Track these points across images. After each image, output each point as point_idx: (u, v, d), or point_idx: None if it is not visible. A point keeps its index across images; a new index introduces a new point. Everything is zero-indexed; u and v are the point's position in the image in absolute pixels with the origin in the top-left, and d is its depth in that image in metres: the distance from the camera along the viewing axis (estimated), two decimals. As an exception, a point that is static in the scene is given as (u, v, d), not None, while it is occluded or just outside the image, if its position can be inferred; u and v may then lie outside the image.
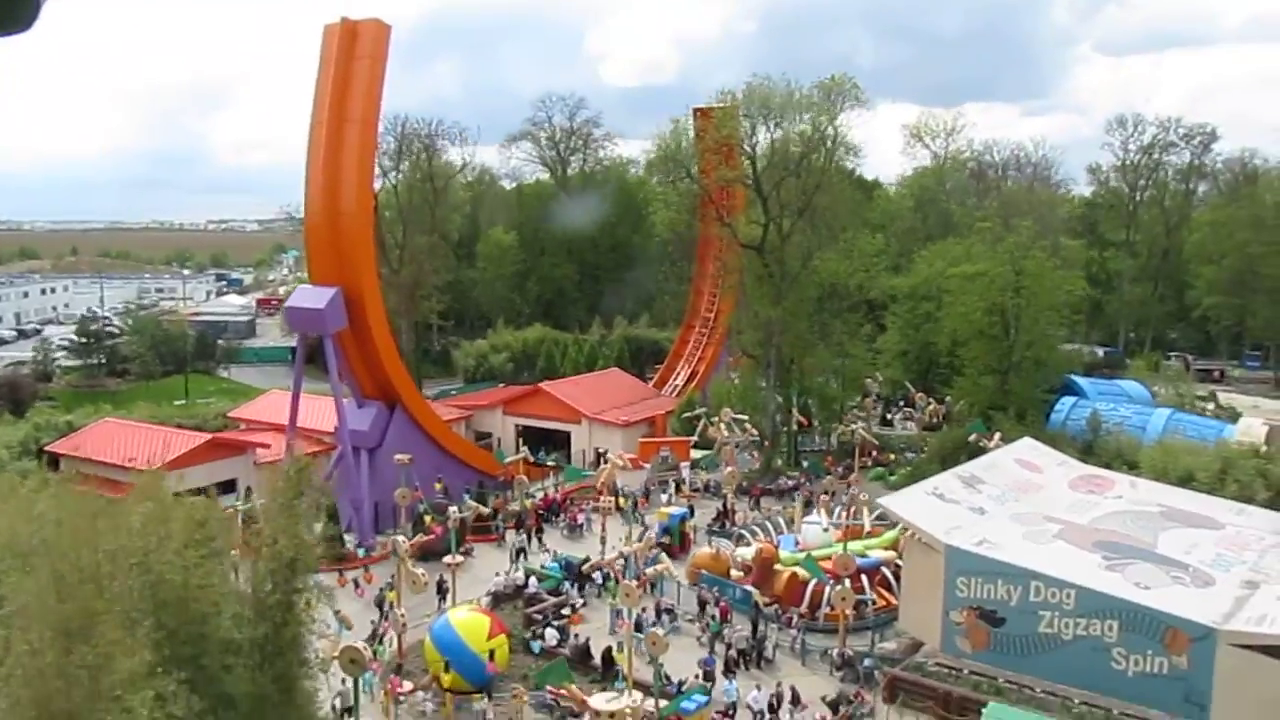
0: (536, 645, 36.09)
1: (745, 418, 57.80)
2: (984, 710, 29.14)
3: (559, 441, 63.70)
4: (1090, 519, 37.96)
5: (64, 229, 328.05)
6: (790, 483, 55.48)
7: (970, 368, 59.69)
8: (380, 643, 35.63)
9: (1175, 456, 48.74)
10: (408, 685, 32.86)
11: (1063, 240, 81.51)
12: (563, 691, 30.63)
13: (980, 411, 56.44)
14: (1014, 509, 38.64)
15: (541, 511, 50.39)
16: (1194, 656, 30.15)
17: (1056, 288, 59.48)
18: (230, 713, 18.80)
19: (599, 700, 28.03)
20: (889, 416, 69.68)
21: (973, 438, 50.89)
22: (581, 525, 49.51)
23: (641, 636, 30.41)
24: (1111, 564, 34.03)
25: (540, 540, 47.28)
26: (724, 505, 50.51)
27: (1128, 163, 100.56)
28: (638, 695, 28.09)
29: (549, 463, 60.19)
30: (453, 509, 43.95)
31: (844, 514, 43.18)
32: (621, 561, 40.78)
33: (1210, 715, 29.63)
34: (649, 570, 40.45)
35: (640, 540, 43.25)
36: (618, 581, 38.36)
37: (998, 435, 50.27)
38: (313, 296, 48.26)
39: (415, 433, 52.02)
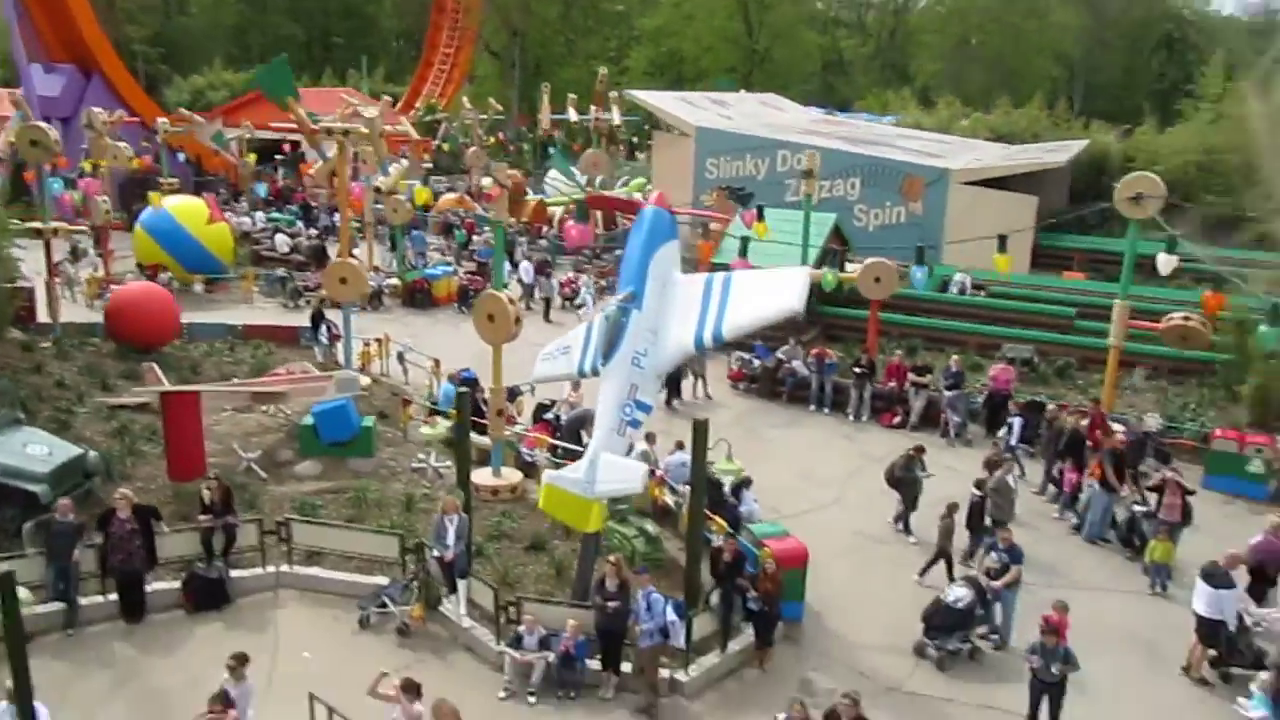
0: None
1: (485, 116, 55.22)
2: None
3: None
4: (830, 129, 38.82)
5: None
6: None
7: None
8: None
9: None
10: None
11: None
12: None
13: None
14: (759, 120, 38.92)
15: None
16: (928, 201, 31.46)
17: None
18: None
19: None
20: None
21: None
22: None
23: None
24: (854, 141, 34.92)
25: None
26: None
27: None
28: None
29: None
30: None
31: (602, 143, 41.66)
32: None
33: (941, 252, 31.03)
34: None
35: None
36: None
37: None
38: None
39: (115, 104, 46.19)
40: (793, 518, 16.41)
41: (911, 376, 21.11)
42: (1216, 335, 20.56)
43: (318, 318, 23.91)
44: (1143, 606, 14.61)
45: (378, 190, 32.86)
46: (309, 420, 17.55)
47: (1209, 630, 12.57)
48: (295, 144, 52.28)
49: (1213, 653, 12.70)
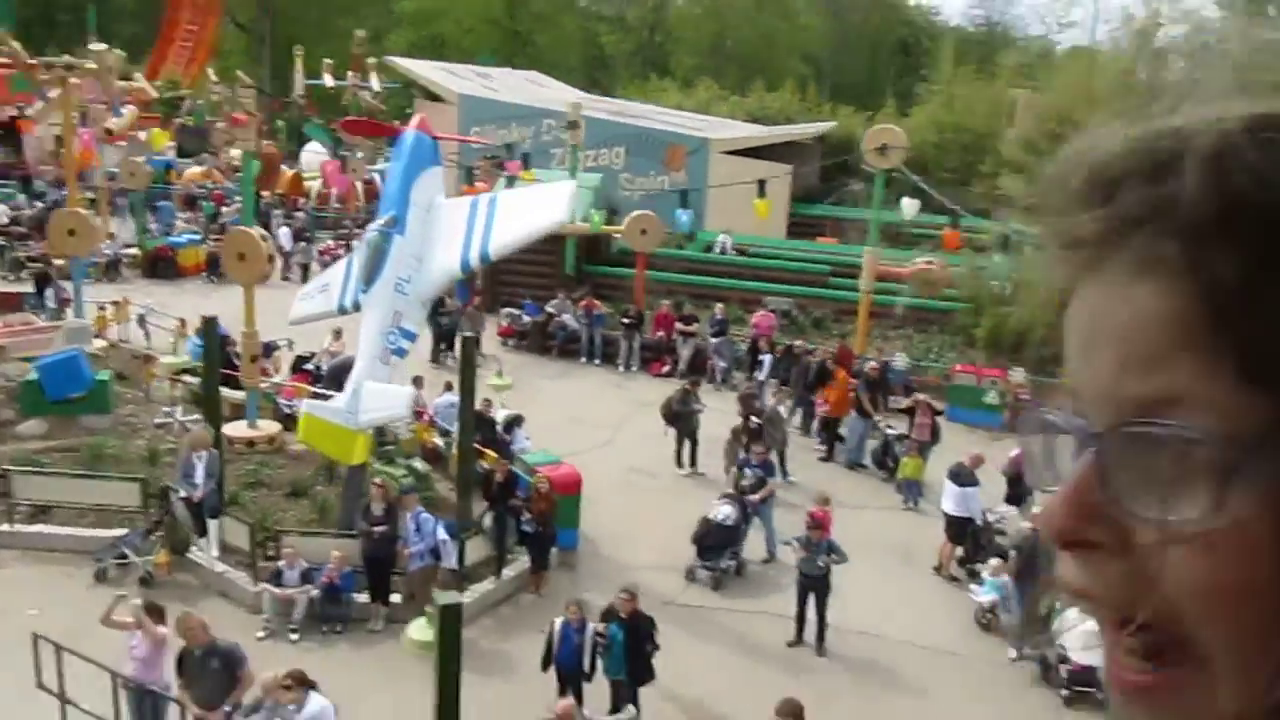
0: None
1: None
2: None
3: None
4: (595, 103, 39.11)
5: None
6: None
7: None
8: None
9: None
10: None
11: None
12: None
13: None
14: (523, 93, 38.74)
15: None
16: (691, 170, 32.22)
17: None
18: None
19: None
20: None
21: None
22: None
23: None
24: (618, 113, 35.31)
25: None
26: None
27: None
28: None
29: None
30: None
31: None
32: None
33: (705, 215, 31.89)
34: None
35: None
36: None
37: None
38: None
39: None
40: (567, 457, 16.25)
41: (679, 326, 21.47)
42: (953, 289, 22.09)
43: (43, 280, 21.74)
44: (897, 519, 15.43)
45: (109, 133, 30.13)
46: (32, 376, 15.84)
47: (957, 528, 13.39)
48: (14, 118, 47.57)
49: (960, 551, 13.54)
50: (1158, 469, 0.48)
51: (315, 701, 7.91)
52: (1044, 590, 11.70)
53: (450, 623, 6.13)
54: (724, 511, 13.31)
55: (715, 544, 13.23)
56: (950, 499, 13.39)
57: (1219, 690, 0.48)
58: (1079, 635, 10.08)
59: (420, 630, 10.74)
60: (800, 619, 11.75)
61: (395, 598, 11.63)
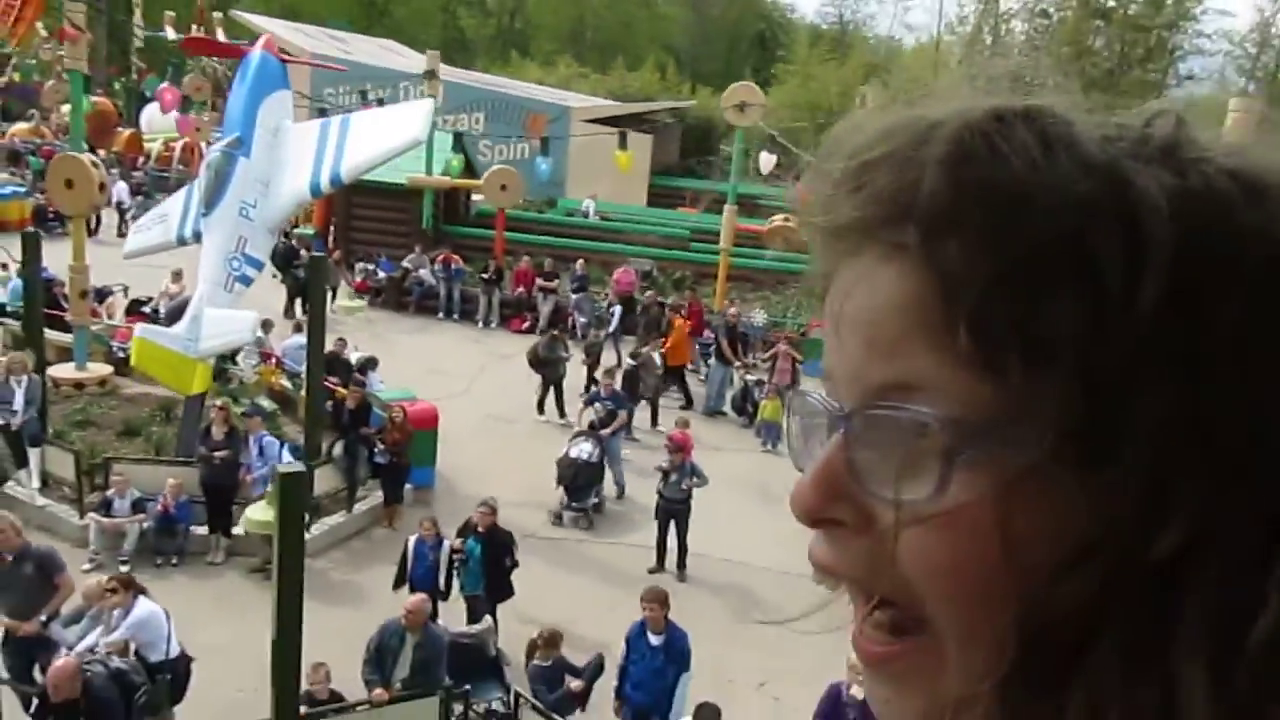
0: None
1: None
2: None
3: None
4: (453, 71, 38.38)
5: None
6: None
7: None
8: None
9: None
10: None
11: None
12: None
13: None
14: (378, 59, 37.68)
15: None
16: (543, 169, 31.92)
17: None
18: None
19: None
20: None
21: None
22: None
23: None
24: (478, 79, 34.70)
25: None
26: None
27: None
28: None
29: None
30: None
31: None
32: None
33: (567, 189, 31.66)
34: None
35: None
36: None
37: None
38: None
39: None
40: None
41: (540, 282, 21.18)
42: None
43: None
44: (756, 460, 15.52)
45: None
46: None
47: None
48: None
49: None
50: (894, 451, 0.50)
51: (144, 605, 7.35)
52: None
53: (291, 491, 5.74)
54: (584, 449, 13.12)
55: (584, 483, 12.99)
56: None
57: (948, 666, 0.50)
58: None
59: (260, 510, 10.12)
60: (661, 546, 11.67)
61: (238, 530, 11.00)
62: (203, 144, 32.74)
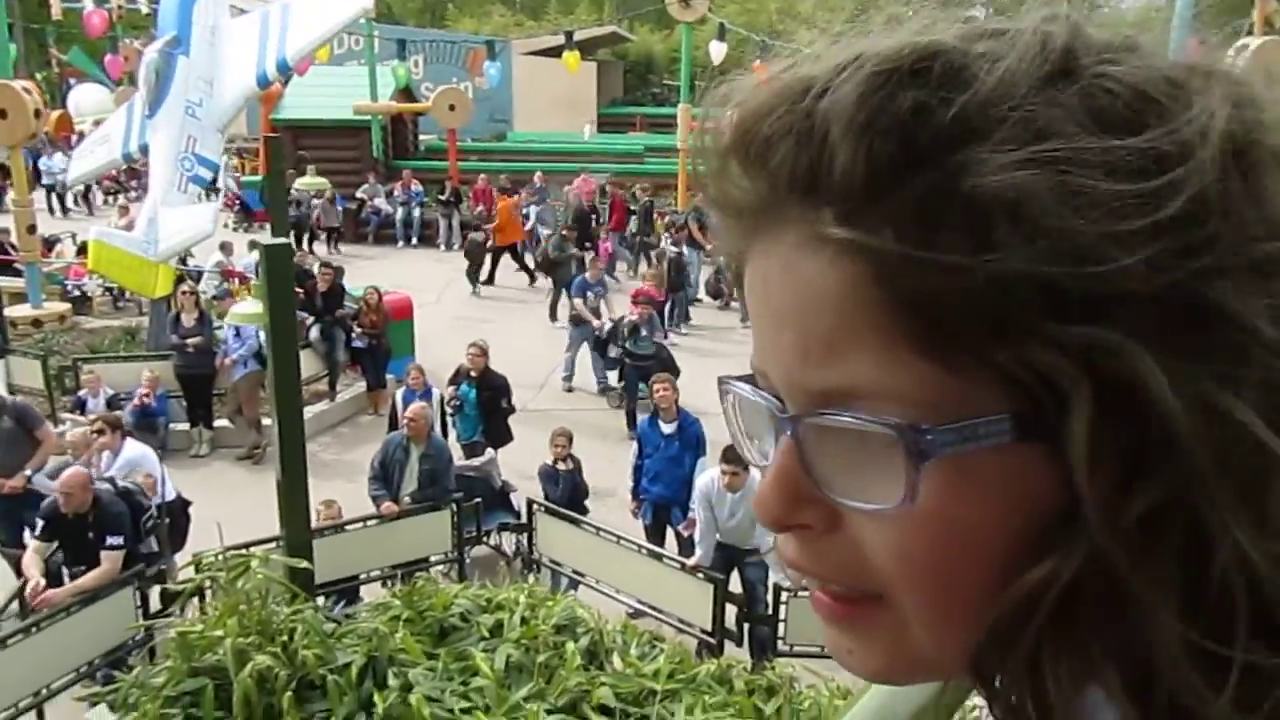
0: None
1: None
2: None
3: None
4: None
5: None
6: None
7: None
8: None
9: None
10: None
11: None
12: None
13: None
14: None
15: None
16: (492, 75, 31.40)
17: None
18: None
19: None
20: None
21: None
22: None
23: None
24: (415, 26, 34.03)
25: None
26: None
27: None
28: None
29: None
30: None
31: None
32: None
33: (513, 122, 31.24)
34: None
35: None
36: None
37: None
38: None
39: None
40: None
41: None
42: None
43: None
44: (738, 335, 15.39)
45: None
46: None
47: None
48: None
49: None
50: (852, 455, 0.46)
51: (133, 446, 7.05)
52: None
53: (277, 265, 5.45)
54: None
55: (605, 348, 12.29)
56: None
57: (911, 627, 0.48)
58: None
59: (248, 305, 9.64)
60: (631, 414, 11.15)
61: (220, 423, 10.69)
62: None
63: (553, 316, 15.67)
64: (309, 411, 11.15)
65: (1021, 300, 0.41)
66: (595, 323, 12.52)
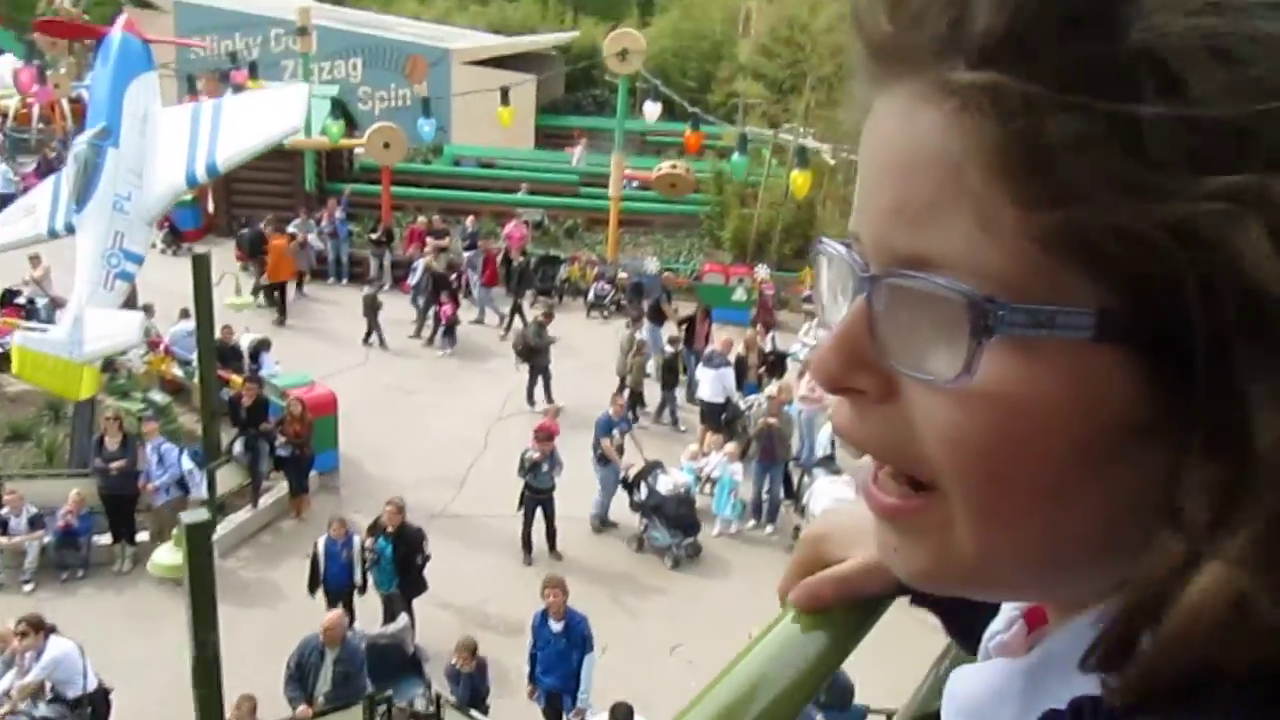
0: None
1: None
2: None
3: None
4: (328, 12, 37.03)
5: None
6: None
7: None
8: None
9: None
10: None
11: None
12: None
13: None
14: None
15: None
16: (433, 80, 31.18)
17: None
18: None
19: None
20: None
21: None
22: None
23: None
24: (353, 23, 33.59)
25: None
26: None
27: None
28: None
29: None
30: None
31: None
32: None
33: (451, 132, 31.10)
34: None
35: None
36: None
37: None
38: None
39: None
40: (320, 379, 15.65)
41: (430, 241, 20.93)
42: (699, 193, 22.68)
43: None
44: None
45: None
46: None
47: (712, 414, 13.96)
48: None
49: (718, 436, 14.13)
50: (919, 324, 0.45)
51: (56, 645, 7.37)
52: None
53: (198, 542, 5.81)
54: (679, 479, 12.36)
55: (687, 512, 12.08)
56: (705, 384, 13.94)
57: (957, 527, 0.48)
58: (823, 503, 10.80)
59: (168, 553, 10.13)
60: (527, 538, 11.55)
61: (142, 536, 10.96)
62: (63, 101, 31.23)
63: (530, 401, 15.58)
64: (230, 522, 11.52)
65: (1185, 150, 0.39)
66: (619, 461, 12.27)
